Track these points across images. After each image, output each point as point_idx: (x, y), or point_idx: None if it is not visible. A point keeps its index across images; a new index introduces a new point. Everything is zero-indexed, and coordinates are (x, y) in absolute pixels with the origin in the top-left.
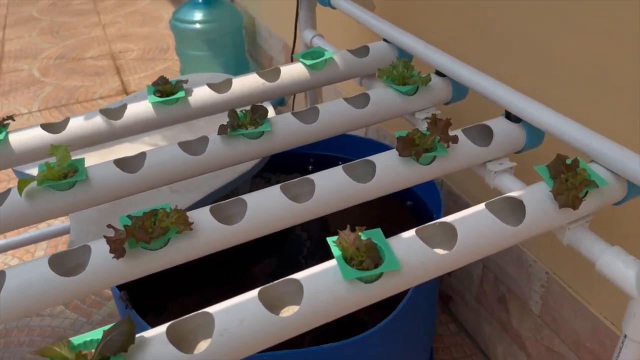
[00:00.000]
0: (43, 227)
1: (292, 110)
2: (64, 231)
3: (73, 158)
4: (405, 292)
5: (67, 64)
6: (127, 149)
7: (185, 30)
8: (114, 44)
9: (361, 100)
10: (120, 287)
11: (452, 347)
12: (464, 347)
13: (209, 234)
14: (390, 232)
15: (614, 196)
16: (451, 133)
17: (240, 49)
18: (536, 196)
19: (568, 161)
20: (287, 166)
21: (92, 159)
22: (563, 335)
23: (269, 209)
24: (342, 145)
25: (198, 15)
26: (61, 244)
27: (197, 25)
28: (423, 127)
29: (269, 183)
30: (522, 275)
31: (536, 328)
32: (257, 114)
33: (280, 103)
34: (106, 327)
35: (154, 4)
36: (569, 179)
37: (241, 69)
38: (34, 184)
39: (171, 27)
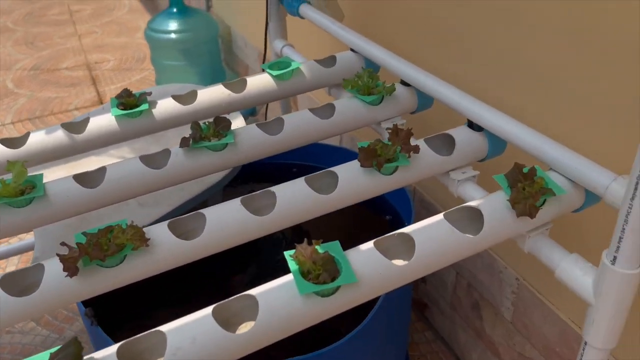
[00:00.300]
0: (14, 242)
1: (266, 119)
2: None
3: (34, 173)
4: (376, 300)
5: (42, 75)
6: (95, 162)
7: (160, 40)
8: (90, 55)
9: (327, 110)
10: (87, 303)
11: (429, 354)
12: (440, 355)
13: (167, 249)
14: None
15: (572, 204)
16: (413, 143)
17: (217, 58)
18: (494, 205)
19: (525, 170)
20: (270, 176)
21: (60, 172)
22: (534, 340)
23: (229, 222)
24: (329, 156)
25: (173, 25)
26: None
27: (172, 35)
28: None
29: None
30: (493, 282)
31: (508, 334)
32: (220, 126)
33: (251, 113)
34: (53, 350)
35: (130, 13)
36: (526, 188)
37: (217, 78)
38: None
39: (146, 37)
